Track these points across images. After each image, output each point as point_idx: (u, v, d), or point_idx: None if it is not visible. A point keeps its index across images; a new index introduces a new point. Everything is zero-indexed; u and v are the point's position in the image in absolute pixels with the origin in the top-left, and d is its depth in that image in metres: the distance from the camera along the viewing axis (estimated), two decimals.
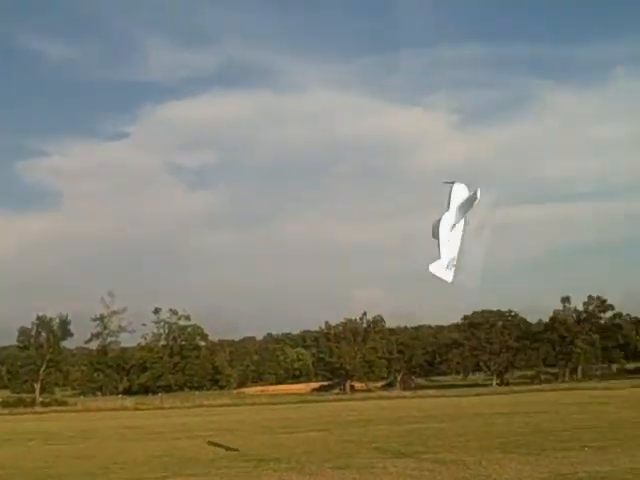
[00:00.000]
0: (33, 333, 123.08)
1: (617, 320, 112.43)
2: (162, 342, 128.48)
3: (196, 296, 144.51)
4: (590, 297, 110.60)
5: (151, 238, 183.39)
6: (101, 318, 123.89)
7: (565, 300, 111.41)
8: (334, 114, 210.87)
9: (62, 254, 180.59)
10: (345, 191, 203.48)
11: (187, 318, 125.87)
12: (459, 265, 14.43)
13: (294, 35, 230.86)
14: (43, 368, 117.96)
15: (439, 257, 15.60)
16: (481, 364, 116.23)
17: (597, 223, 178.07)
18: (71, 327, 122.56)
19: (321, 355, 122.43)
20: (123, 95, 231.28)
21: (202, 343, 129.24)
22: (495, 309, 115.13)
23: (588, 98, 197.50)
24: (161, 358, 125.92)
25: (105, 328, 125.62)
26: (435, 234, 16.29)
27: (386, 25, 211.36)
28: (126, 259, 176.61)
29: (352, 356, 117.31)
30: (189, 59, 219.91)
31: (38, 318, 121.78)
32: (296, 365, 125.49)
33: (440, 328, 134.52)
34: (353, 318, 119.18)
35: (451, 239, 15.38)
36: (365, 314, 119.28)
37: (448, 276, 14.69)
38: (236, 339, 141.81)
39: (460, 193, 16.66)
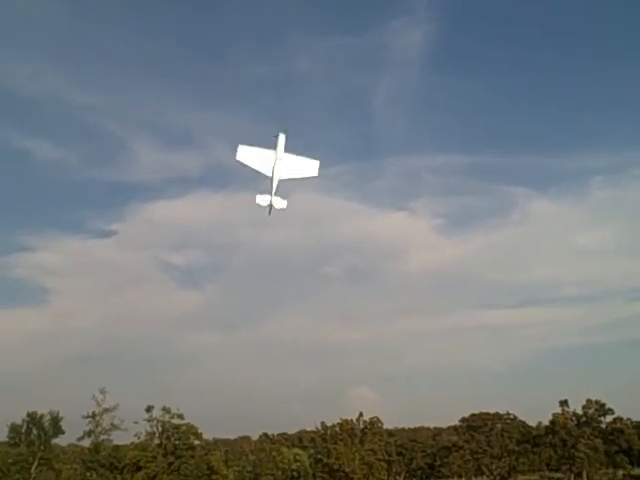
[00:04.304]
0: (24, 430, 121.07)
1: (618, 424, 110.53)
2: (156, 441, 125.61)
3: (189, 394, 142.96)
4: (589, 400, 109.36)
5: (142, 335, 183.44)
6: (93, 416, 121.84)
7: (563, 403, 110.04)
8: (319, 218, 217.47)
9: (50, 351, 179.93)
10: (332, 292, 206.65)
11: (180, 417, 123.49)
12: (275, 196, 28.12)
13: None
14: (35, 466, 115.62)
15: (270, 194, 28.43)
16: (483, 468, 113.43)
17: (584, 326, 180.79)
18: (62, 424, 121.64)
19: (319, 456, 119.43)
20: (111, 194, 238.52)
21: (197, 442, 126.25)
22: (493, 411, 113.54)
23: (568, 206, 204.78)
24: (155, 457, 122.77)
25: (97, 426, 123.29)
26: (270, 178, 28.60)
27: (367, 134, 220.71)
28: (117, 356, 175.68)
29: (350, 458, 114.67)
30: (175, 160, 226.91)
31: (29, 415, 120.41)
32: (294, 466, 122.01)
33: (439, 430, 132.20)
34: (349, 419, 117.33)
35: (276, 183, 28.25)
36: (361, 415, 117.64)
37: (265, 202, 28.12)
38: (231, 438, 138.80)
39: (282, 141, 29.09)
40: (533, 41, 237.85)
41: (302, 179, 29.39)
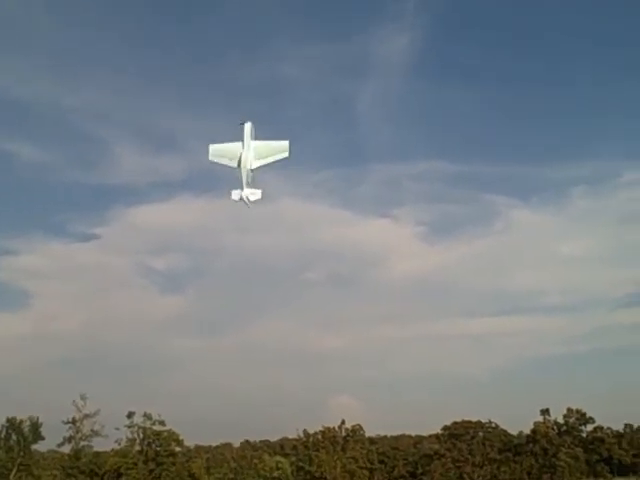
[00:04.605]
0: (3, 435, 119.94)
1: (599, 433, 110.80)
2: (137, 447, 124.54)
3: (170, 400, 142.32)
4: (569, 410, 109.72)
5: (125, 340, 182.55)
6: (73, 421, 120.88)
7: (545, 412, 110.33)
8: (303, 223, 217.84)
9: (32, 355, 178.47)
10: (315, 297, 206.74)
11: (162, 423, 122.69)
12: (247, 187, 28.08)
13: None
14: (14, 472, 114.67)
15: (241, 187, 27.97)
16: (465, 476, 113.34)
17: (566, 335, 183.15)
18: (42, 430, 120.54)
19: (300, 464, 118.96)
20: (93, 197, 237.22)
21: (178, 449, 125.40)
22: (475, 420, 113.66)
23: (550, 215, 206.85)
24: (135, 464, 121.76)
25: (77, 432, 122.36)
26: (239, 169, 28.06)
27: (351, 140, 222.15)
28: (100, 360, 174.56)
29: (332, 465, 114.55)
30: (159, 164, 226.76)
31: (8, 420, 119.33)
32: (275, 474, 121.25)
33: (420, 438, 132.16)
34: (331, 426, 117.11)
35: (246, 174, 27.88)
36: (343, 422, 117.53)
37: (244, 195, 27.68)
38: (213, 445, 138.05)
39: (248, 130, 28.56)
40: (518, 50, 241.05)
41: (274, 162, 28.50)
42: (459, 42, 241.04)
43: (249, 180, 28.13)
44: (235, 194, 28.11)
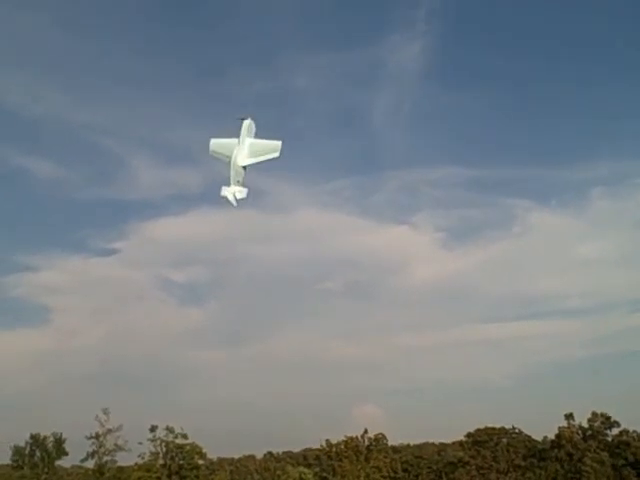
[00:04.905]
0: (27, 452, 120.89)
1: (624, 437, 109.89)
2: (160, 461, 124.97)
3: (192, 413, 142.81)
4: (594, 413, 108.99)
5: (145, 353, 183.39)
6: (96, 436, 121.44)
7: (569, 417, 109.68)
8: (320, 233, 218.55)
9: (53, 370, 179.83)
10: (334, 307, 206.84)
11: (184, 436, 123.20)
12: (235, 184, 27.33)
13: (279, 158, 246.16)
14: None
15: (229, 183, 27.39)
16: None
17: (587, 338, 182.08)
18: (66, 446, 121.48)
19: (324, 474, 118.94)
20: (112, 212, 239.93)
21: (201, 462, 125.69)
22: (498, 426, 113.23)
23: (569, 218, 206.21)
24: (159, 478, 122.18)
25: (101, 446, 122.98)
26: (232, 165, 27.63)
27: (366, 148, 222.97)
28: (120, 375, 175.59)
29: (356, 475, 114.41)
30: (175, 177, 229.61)
31: (32, 437, 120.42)
32: None
33: (444, 445, 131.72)
34: (354, 436, 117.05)
35: (235, 170, 27.47)
36: (366, 431, 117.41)
37: (229, 192, 27.04)
38: (236, 457, 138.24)
39: (246, 129, 28.29)
40: (532, 52, 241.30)
41: (265, 161, 28.18)
42: (472, 47, 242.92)
43: (239, 178, 27.91)
44: (224, 190, 27.97)
